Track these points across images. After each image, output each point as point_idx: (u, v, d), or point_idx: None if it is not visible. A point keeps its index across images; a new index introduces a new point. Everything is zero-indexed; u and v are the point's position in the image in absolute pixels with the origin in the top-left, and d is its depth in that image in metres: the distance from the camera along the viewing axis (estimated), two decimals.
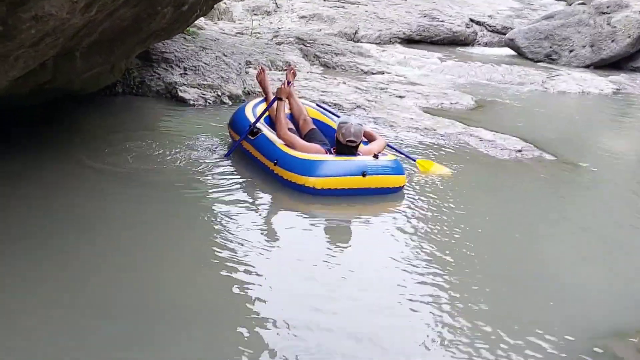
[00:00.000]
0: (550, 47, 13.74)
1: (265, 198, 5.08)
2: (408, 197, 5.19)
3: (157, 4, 4.96)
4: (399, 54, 12.92)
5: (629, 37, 13.04)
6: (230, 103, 7.60)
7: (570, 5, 15.46)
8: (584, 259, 4.48)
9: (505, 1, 18.27)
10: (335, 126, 5.56)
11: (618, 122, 9.62)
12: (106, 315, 3.26)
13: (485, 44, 15.61)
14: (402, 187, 5.23)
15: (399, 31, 14.73)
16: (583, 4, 14.29)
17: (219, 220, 4.51)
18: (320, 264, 4.02)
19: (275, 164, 5.15)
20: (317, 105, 6.40)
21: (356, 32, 14.11)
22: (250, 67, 8.65)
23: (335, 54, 10.97)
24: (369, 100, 8.24)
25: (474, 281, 3.94)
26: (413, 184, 5.43)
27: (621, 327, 3.59)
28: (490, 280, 3.98)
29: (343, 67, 10.65)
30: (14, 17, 3.35)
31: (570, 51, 13.53)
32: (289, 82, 5.67)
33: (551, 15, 14.43)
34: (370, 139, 5.55)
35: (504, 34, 15.24)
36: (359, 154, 5.19)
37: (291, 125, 5.71)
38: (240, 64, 8.50)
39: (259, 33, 11.48)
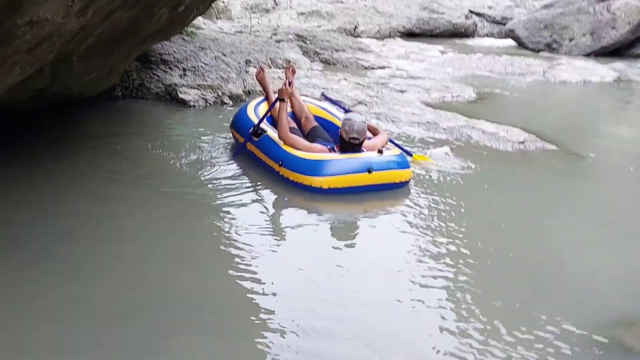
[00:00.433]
0: (551, 37, 13.69)
1: (271, 199, 5.04)
2: (414, 191, 5.17)
3: (153, 6, 4.93)
4: (399, 48, 12.87)
5: (629, 23, 12.97)
6: (231, 103, 7.58)
7: None
8: (591, 248, 4.46)
9: None
10: (337, 122, 5.54)
11: (620, 110, 9.57)
12: (108, 322, 3.24)
13: (486, 35, 15.58)
14: (409, 181, 5.20)
15: (399, 25, 14.69)
16: None
17: (225, 223, 4.49)
18: (329, 265, 3.98)
19: (280, 165, 5.11)
20: (322, 95, 6.36)
21: (356, 27, 14.07)
22: (250, 66, 8.62)
23: (335, 50, 10.94)
24: (370, 96, 8.21)
25: (485, 274, 3.95)
26: (418, 178, 5.40)
27: (630, 316, 3.58)
28: (499, 272, 4.00)
29: (344, 63, 10.62)
30: (9, 23, 3.33)
31: (571, 40, 13.48)
32: (290, 82, 5.61)
33: (550, 4, 14.37)
34: (374, 133, 5.51)
35: (504, 24, 15.21)
36: (362, 150, 5.16)
37: (293, 125, 5.67)
38: (239, 63, 8.47)
39: (258, 31, 11.45)
